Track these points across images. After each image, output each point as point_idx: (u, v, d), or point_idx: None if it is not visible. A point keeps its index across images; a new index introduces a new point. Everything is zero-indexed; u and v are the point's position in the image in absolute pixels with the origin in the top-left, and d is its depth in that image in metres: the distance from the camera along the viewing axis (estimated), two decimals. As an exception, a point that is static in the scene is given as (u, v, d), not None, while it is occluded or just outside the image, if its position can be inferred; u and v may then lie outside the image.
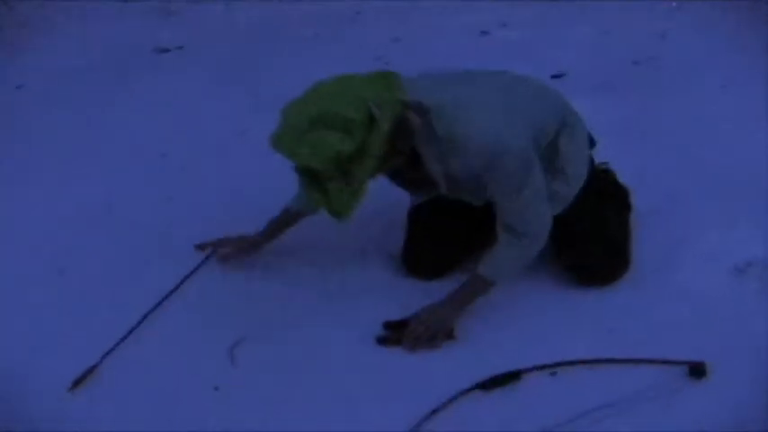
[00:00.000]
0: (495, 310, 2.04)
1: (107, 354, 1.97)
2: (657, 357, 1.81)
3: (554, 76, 3.44)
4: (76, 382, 1.88)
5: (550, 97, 2.07)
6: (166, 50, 4.30)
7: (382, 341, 1.98)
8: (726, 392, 1.73)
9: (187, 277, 2.24)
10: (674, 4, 4.07)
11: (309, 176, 1.73)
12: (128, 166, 2.95)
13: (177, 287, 2.20)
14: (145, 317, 2.09)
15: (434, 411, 1.74)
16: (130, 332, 2.04)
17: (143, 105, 3.53)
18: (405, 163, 1.83)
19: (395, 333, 1.98)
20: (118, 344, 2.00)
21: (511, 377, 1.81)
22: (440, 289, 2.08)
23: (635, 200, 2.34)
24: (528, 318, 2.05)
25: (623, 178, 2.34)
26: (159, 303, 2.14)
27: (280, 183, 2.59)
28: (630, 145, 2.71)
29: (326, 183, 1.70)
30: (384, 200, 2.24)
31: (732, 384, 1.75)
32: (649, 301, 2.06)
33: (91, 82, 3.86)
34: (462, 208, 2.11)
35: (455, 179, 1.90)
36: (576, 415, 1.67)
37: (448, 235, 2.18)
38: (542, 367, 1.83)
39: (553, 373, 1.83)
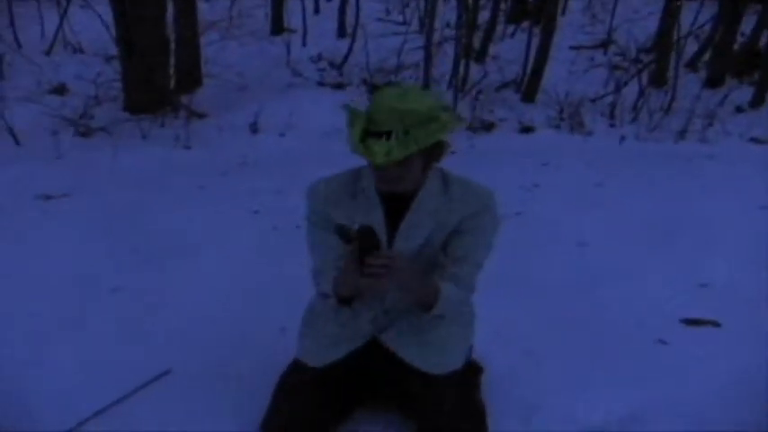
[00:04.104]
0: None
1: None
2: None
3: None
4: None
5: None
6: (50, 197, 4.27)
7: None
8: None
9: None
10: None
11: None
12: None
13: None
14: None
15: None
16: None
17: (22, 254, 3.42)
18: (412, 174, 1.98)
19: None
20: None
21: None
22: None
23: (493, 360, 2.41)
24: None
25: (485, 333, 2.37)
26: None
27: (148, 344, 2.62)
28: (494, 299, 2.76)
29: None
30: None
31: None
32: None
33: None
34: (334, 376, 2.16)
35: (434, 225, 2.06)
36: None
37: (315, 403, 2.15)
38: None
39: None
